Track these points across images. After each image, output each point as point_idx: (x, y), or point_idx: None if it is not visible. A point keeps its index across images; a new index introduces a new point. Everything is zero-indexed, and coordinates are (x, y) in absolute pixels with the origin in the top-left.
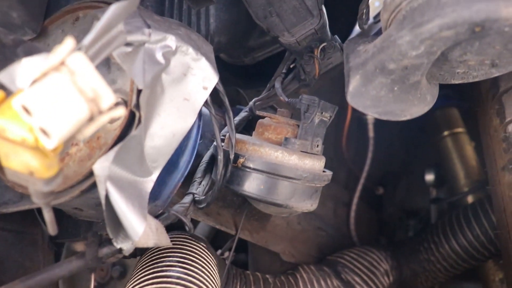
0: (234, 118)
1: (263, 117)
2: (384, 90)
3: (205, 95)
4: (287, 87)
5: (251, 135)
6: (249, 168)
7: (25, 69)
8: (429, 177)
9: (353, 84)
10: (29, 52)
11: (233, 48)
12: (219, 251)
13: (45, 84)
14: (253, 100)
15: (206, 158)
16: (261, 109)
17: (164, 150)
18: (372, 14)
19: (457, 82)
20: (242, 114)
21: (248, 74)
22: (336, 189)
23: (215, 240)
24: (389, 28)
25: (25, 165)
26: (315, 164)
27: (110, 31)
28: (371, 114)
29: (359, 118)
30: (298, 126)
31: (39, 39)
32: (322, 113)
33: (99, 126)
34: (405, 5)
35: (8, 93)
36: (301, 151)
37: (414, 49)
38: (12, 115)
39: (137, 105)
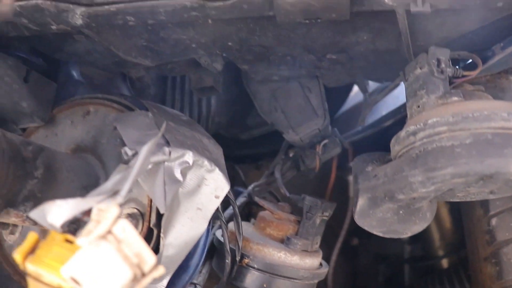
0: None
1: (261, 206)
2: (390, 213)
3: (217, 203)
4: (286, 174)
5: (248, 218)
6: (254, 268)
7: (58, 209)
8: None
9: (361, 206)
10: (49, 162)
11: (231, 126)
12: None
13: (93, 252)
14: (252, 186)
15: (206, 246)
16: (260, 195)
17: (176, 258)
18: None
19: (456, 200)
20: (241, 199)
21: (244, 149)
22: None
23: None
24: (400, 160)
25: None
26: (314, 262)
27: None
28: (376, 233)
29: (340, 177)
30: (299, 221)
31: (47, 127)
32: (323, 213)
33: (142, 287)
34: (419, 145)
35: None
36: (302, 250)
37: (425, 187)
38: (49, 264)
39: (156, 224)
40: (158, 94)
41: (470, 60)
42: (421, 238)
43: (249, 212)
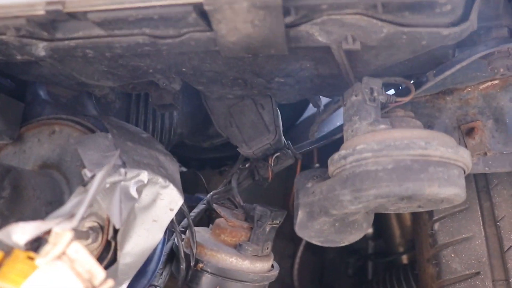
0: (193, 211)
1: (218, 214)
2: (326, 225)
3: (171, 215)
4: (242, 183)
5: (208, 223)
6: (207, 271)
7: (21, 230)
8: (368, 230)
9: (300, 219)
10: (15, 182)
11: (194, 136)
12: None
13: (49, 271)
14: (211, 194)
15: (166, 249)
16: (219, 201)
17: (134, 264)
18: None
19: (389, 212)
20: (200, 206)
21: (207, 154)
22: (281, 244)
23: None
24: (333, 180)
25: None
26: (264, 265)
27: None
28: (314, 243)
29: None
30: (251, 228)
31: (15, 144)
32: (273, 221)
33: None
34: (349, 167)
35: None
36: (253, 255)
37: (353, 205)
38: (12, 279)
39: (114, 237)
40: (123, 108)
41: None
42: (383, 235)
43: (209, 216)
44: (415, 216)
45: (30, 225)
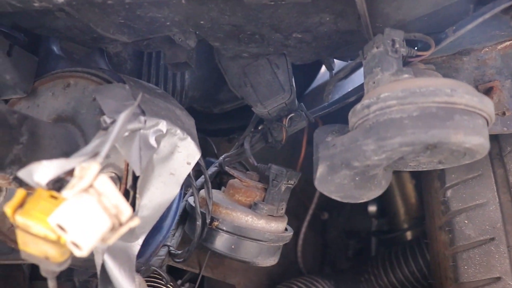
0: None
1: (231, 175)
2: (347, 179)
3: (189, 169)
4: (255, 146)
5: (219, 187)
6: (223, 230)
7: (43, 168)
8: (372, 208)
9: (321, 173)
10: (32, 129)
11: (204, 100)
12: (179, 281)
13: (77, 203)
14: (223, 156)
15: (179, 210)
16: (230, 165)
17: (151, 218)
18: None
19: (409, 170)
20: (212, 169)
21: (217, 123)
22: None
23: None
24: (356, 131)
25: (42, 252)
26: (279, 226)
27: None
28: (335, 198)
29: (311, 152)
30: (266, 189)
31: (29, 98)
32: (288, 181)
33: (119, 236)
34: (372, 117)
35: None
36: (268, 215)
37: (377, 155)
38: (36, 216)
39: (133, 186)
40: (135, 69)
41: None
42: (387, 213)
43: (220, 181)
44: (425, 185)
45: (53, 163)
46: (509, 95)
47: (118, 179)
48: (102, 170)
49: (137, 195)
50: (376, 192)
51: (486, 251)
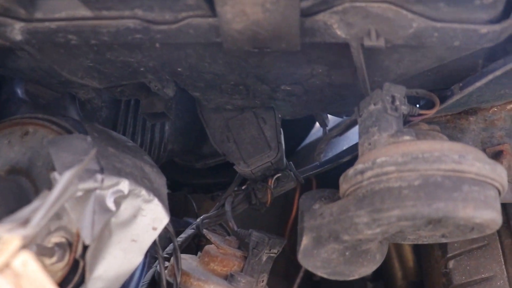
0: (180, 236)
1: (208, 240)
2: (335, 254)
3: (154, 235)
4: (237, 207)
5: (197, 251)
6: None
7: None
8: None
9: (305, 245)
10: None
11: (186, 154)
12: None
13: None
14: (201, 218)
15: (147, 277)
16: (209, 227)
17: None
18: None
19: (407, 243)
20: (189, 231)
21: (200, 178)
22: (274, 282)
23: None
24: (347, 199)
25: None
26: None
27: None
28: (320, 274)
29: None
30: (245, 257)
31: None
32: (270, 249)
33: None
34: (366, 185)
35: None
36: None
37: (370, 229)
38: None
39: (82, 255)
40: (110, 117)
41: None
42: (383, 276)
43: (198, 244)
44: (425, 253)
45: None
46: None
47: (68, 246)
48: (51, 233)
49: (86, 268)
50: (369, 268)
51: None
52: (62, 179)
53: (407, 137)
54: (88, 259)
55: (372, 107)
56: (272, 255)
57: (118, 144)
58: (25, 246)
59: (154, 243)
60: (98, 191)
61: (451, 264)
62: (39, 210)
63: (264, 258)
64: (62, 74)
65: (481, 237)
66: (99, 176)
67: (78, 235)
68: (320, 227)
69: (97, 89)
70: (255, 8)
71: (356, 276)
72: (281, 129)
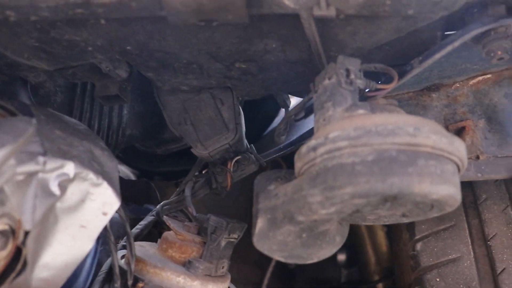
0: (140, 223)
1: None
2: (291, 236)
3: (105, 220)
4: (197, 192)
5: (155, 239)
6: None
7: None
8: (341, 257)
9: (260, 228)
10: None
11: (146, 138)
12: None
13: None
14: (161, 204)
15: (105, 267)
16: (170, 214)
17: (55, 280)
18: None
19: (368, 223)
20: (149, 218)
21: (162, 164)
22: (247, 271)
23: None
24: (301, 178)
25: None
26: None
27: None
28: (277, 258)
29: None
30: (205, 243)
31: None
32: (229, 234)
33: None
34: (319, 162)
35: None
36: (204, 275)
37: (325, 209)
38: None
39: (24, 242)
40: (66, 102)
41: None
42: (357, 262)
43: (159, 232)
44: (395, 236)
45: None
46: (483, 137)
47: (11, 233)
48: None
49: (29, 256)
50: (328, 251)
51: None
52: None
53: (361, 111)
54: (30, 245)
55: (326, 81)
56: (232, 240)
57: (68, 127)
58: None
59: (105, 229)
60: (40, 175)
61: (418, 246)
62: None
63: (223, 244)
64: (6, 54)
65: (448, 218)
66: (41, 159)
67: (20, 221)
68: (274, 208)
69: (48, 72)
70: None
71: (315, 259)
72: (241, 111)
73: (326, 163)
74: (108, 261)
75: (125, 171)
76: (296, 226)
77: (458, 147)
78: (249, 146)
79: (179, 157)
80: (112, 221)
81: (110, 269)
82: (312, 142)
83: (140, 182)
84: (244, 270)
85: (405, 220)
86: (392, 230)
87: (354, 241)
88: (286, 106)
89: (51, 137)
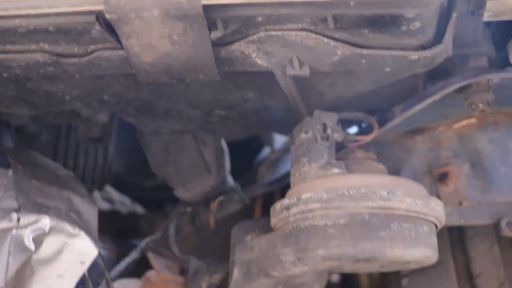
0: (125, 259)
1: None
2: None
3: (82, 269)
4: (183, 230)
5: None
6: None
7: None
8: (335, 277)
9: (235, 280)
10: None
11: (133, 173)
12: None
13: None
14: (146, 240)
15: None
16: (156, 249)
17: None
18: None
19: (347, 272)
20: (133, 255)
21: (149, 194)
22: None
23: None
24: (275, 234)
25: None
26: None
27: None
28: None
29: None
30: (187, 283)
31: None
32: (211, 276)
33: None
34: (292, 221)
35: None
36: None
37: (297, 267)
38: None
39: None
40: (51, 141)
41: None
42: (351, 284)
43: (148, 267)
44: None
45: None
46: (467, 182)
47: None
48: None
49: None
50: None
51: None
52: None
53: (336, 170)
54: None
55: (303, 135)
56: (213, 281)
57: (47, 173)
58: None
59: (84, 276)
60: (14, 231)
61: (405, 282)
62: None
63: (204, 286)
64: None
65: None
66: (14, 215)
67: None
68: (249, 262)
69: (30, 116)
70: (162, 40)
71: None
72: (225, 149)
73: (299, 223)
74: None
75: (125, 200)
76: (271, 280)
77: (434, 207)
78: (233, 184)
79: (163, 188)
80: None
81: None
82: (285, 201)
83: (128, 215)
84: None
85: (384, 271)
86: None
87: None
88: (271, 144)
89: (27, 189)
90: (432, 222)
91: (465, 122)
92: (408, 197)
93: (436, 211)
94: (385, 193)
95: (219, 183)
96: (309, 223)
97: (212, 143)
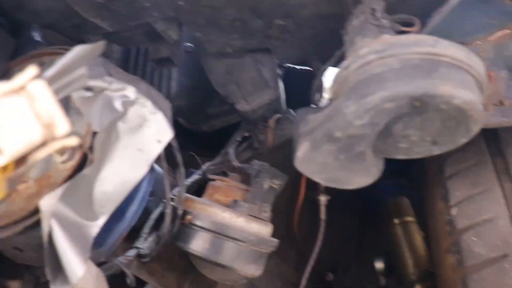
0: (186, 179)
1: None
2: (330, 157)
3: (159, 148)
4: (240, 155)
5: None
6: (196, 226)
7: None
8: (379, 265)
9: (302, 150)
10: None
11: (192, 113)
12: None
13: (3, 104)
14: (206, 164)
15: (155, 215)
16: (214, 173)
17: (114, 196)
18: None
19: (401, 157)
20: (195, 176)
21: (205, 142)
22: (285, 268)
23: None
24: (337, 99)
25: None
26: (262, 229)
27: (72, 71)
28: (318, 180)
29: (311, 199)
30: (248, 191)
31: (2, 79)
32: (271, 179)
33: (51, 151)
34: (352, 77)
35: None
36: (249, 215)
37: (359, 118)
38: None
39: (91, 148)
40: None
41: None
42: (396, 269)
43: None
44: (429, 208)
45: None
46: (506, 85)
47: (79, 148)
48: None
49: (95, 153)
50: (365, 179)
51: (499, 270)
52: (73, 50)
53: (387, 35)
54: (97, 146)
55: (355, 21)
56: (274, 186)
57: (127, 74)
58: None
59: (160, 157)
60: (106, 92)
61: (454, 211)
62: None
63: (266, 186)
64: (76, 14)
65: (481, 182)
66: (107, 78)
67: (87, 128)
68: (314, 129)
69: (107, 36)
70: None
71: (353, 186)
72: (280, 76)
73: (359, 77)
74: (158, 210)
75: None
76: (334, 145)
77: (475, 61)
78: (287, 109)
79: (220, 134)
80: (157, 177)
81: (160, 216)
82: (344, 63)
83: (186, 154)
84: (282, 267)
85: (436, 150)
86: (425, 207)
87: (392, 249)
88: (319, 70)
89: (114, 70)
90: (474, 76)
91: (499, 34)
92: (452, 46)
93: (477, 64)
94: (432, 41)
95: (276, 98)
96: (368, 73)
97: (269, 63)
